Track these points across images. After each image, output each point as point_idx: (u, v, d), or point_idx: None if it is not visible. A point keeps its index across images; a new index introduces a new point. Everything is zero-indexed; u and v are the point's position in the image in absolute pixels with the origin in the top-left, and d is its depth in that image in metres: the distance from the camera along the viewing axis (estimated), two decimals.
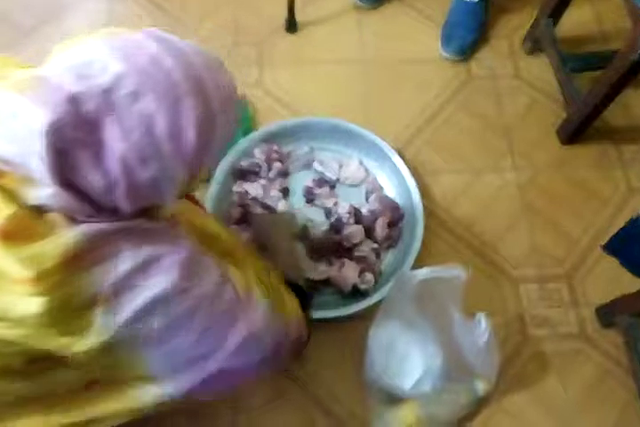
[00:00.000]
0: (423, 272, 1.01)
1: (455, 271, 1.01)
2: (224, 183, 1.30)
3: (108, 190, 0.59)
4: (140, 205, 0.63)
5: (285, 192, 1.33)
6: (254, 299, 0.75)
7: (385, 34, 1.59)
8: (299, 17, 1.57)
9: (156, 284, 0.63)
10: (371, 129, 1.35)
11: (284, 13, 1.56)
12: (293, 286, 0.92)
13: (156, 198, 0.64)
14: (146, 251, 0.63)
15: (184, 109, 0.59)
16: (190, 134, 0.60)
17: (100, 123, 0.57)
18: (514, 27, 1.60)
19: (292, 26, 1.57)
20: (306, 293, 0.97)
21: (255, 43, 1.58)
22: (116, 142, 0.57)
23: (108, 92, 0.57)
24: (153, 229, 0.66)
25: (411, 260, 1.22)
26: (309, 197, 1.32)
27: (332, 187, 1.34)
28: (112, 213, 0.62)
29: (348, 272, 1.22)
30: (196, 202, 1.00)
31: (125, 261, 0.61)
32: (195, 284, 0.66)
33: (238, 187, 1.32)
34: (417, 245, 1.23)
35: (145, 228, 0.65)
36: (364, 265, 1.24)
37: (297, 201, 1.33)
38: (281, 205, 1.29)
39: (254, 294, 0.76)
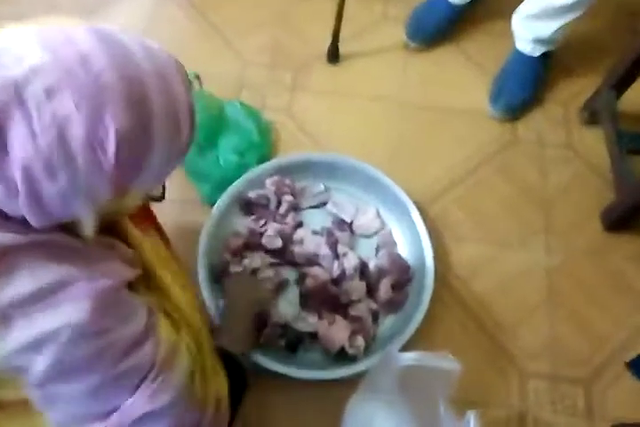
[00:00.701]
0: (412, 357, 0.87)
1: (449, 363, 0.86)
2: (226, 211, 1.19)
3: (9, 199, 0.49)
4: (49, 219, 0.52)
5: (299, 226, 1.21)
6: (173, 367, 0.62)
7: (430, 77, 1.49)
8: (343, 48, 1.47)
9: (59, 316, 0.51)
10: (396, 176, 1.23)
11: (328, 41, 1.46)
12: (232, 361, 0.82)
13: (66, 214, 0.53)
14: (53, 273, 0.52)
15: (108, 117, 0.49)
16: (111, 147, 0.50)
17: (5, 120, 0.48)
18: (574, 92, 1.47)
19: (334, 56, 1.47)
20: (244, 370, 0.86)
21: (292, 67, 1.48)
22: (21, 145, 0.47)
23: (19, 86, 0.48)
24: (71, 247, 0.55)
25: (410, 330, 1.08)
26: (331, 240, 1.18)
27: (351, 232, 1.22)
28: (22, 223, 0.51)
29: (338, 332, 1.08)
30: (161, 232, 0.89)
31: (24, 282, 0.50)
32: (107, 326, 0.54)
33: (250, 222, 1.20)
34: (420, 315, 1.09)
35: (60, 245, 0.54)
36: (357, 326, 1.10)
37: (310, 241, 1.19)
38: (298, 237, 1.18)
39: (176, 362, 0.63)
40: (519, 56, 1.42)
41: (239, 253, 1.15)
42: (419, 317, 1.09)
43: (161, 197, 0.71)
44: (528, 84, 1.42)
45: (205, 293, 1.07)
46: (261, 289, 1.09)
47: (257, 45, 1.52)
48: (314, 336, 1.09)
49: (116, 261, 0.60)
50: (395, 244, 1.22)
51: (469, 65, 1.50)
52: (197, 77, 1.27)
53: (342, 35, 1.45)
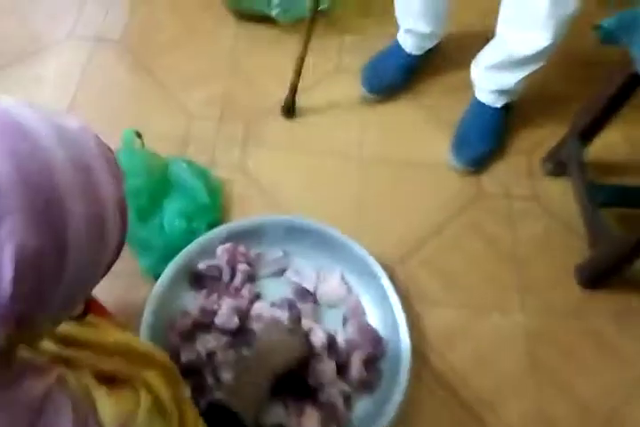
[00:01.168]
0: None
1: None
2: (172, 286, 1.05)
3: None
4: None
5: (257, 299, 1.09)
6: None
7: (389, 130, 1.42)
8: (298, 100, 1.40)
9: None
10: (360, 237, 1.13)
11: (282, 94, 1.38)
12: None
13: None
14: None
15: (4, 233, 0.37)
16: (8, 273, 0.37)
17: None
18: (536, 142, 1.42)
19: (290, 110, 1.39)
20: None
21: (244, 120, 1.39)
22: None
23: None
24: None
25: (389, 414, 0.96)
26: (293, 314, 1.06)
27: (315, 302, 1.11)
28: None
29: (308, 423, 0.95)
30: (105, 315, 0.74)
31: None
32: None
33: (200, 298, 1.06)
34: (398, 395, 0.98)
35: None
36: (329, 414, 0.97)
37: (269, 316, 1.06)
38: (256, 312, 1.05)
39: None
40: (479, 107, 1.37)
41: (189, 336, 1.02)
42: (397, 397, 0.98)
43: (82, 315, 0.57)
44: (490, 136, 1.37)
45: None
46: (299, 347, 0.96)
47: (204, 98, 1.42)
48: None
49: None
50: (363, 313, 1.10)
51: (429, 117, 1.45)
52: (138, 135, 1.16)
53: (300, 86, 1.37)
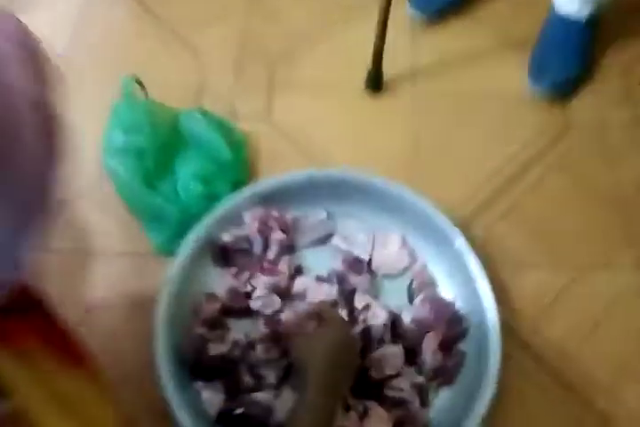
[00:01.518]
0: None
1: None
2: (193, 264, 0.84)
3: None
4: None
5: (298, 274, 0.88)
6: None
7: (447, 58, 1.15)
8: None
9: None
10: (421, 190, 0.90)
11: (310, 22, 1.15)
12: None
13: None
14: None
15: None
16: None
17: None
18: (630, 60, 1.14)
19: (376, 83, 1.08)
20: None
21: (268, 63, 1.14)
22: None
23: None
24: None
25: (478, 410, 0.75)
26: (345, 290, 0.85)
27: (371, 274, 0.88)
28: None
29: None
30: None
31: None
32: None
33: (229, 277, 0.85)
34: (488, 386, 0.75)
35: None
36: (401, 414, 0.77)
37: (316, 293, 0.85)
38: (298, 288, 0.85)
39: None
40: (560, 22, 1.09)
41: (217, 324, 0.82)
42: (487, 389, 0.75)
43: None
44: (575, 56, 1.08)
45: (171, 395, 0.73)
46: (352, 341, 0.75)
47: (219, 38, 1.18)
48: None
49: None
50: (434, 284, 0.88)
51: (496, 37, 1.16)
52: (139, 83, 0.95)
53: None
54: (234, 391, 0.78)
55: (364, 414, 0.75)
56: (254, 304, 0.84)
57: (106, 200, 0.95)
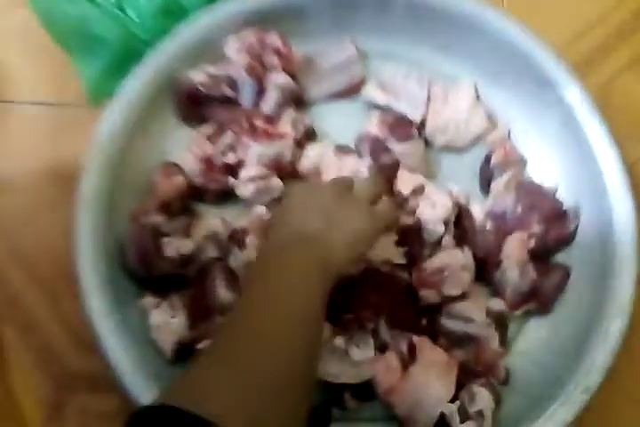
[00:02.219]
0: None
1: None
2: (142, 115, 0.53)
3: None
4: None
5: (310, 139, 0.57)
6: None
7: None
8: None
9: None
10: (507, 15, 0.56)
11: None
12: None
13: None
14: None
15: None
16: None
17: None
18: None
19: None
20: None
21: None
22: None
23: None
24: None
25: (593, 359, 0.46)
26: (384, 166, 0.53)
27: (425, 143, 0.56)
28: None
29: (425, 380, 0.47)
30: None
31: None
32: None
33: (200, 139, 0.53)
34: (613, 322, 0.47)
35: None
36: (468, 357, 0.49)
37: (335, 171, 0.54)
38: (310, 161, 0.54)
39: None
40: None
41: (181, 210, 0.52)
42: (610, 327, 0.47)
43: None
44: None
45: (99, 319, 0.46)
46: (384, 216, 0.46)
47: None
48: (362, 395, 0.48)
49: None
50: (523, 162, 0.57)
51: None
52: None
53: None
54: (201, 314, 0.49)
55: (409, 358, 0.47)
56: (242, 190, 0.55)
57: (19, 28, 0.63)
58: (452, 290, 0.49)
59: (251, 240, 0.50)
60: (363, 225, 0.42)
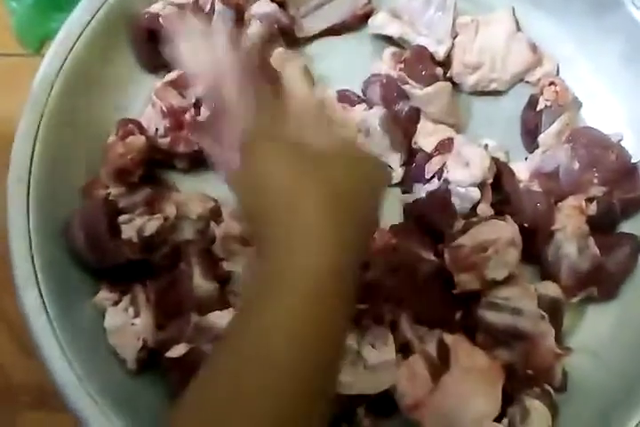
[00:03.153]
0: None
1: None
2: (88, 58, 0.42)
3: None
4: None
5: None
6: None
7: None
8: None
9: None
10: None
11: None
12: None
13: None
14: None
15: None
16: None
17: None
18: None
19: None
20: None
21: None
22: None
23: None
24: None
25: None
26: (401, 113, 0.43)
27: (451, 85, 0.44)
28: None
29: (466, 393, 0.36)
30: None
31: None
32: None
33: (162, 85, 0.42)
34: None
35: None
36: (515, 359, 0.38)
37: None
38: None
39: None
40: None
41: (146, 177, 0.41)
42: None
43: None
44: None
45: (39, 321, 0.36)
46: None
47: None
48: (380, 409, 0.37)
49: None
50: (577, 104, 0.44)
51: None
52: None
53: None
54: (171, 310, 0.38)
55: (440, 363, 0.36)
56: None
57: None
58: (496, 273, 0.37)
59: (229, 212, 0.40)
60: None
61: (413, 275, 0.39)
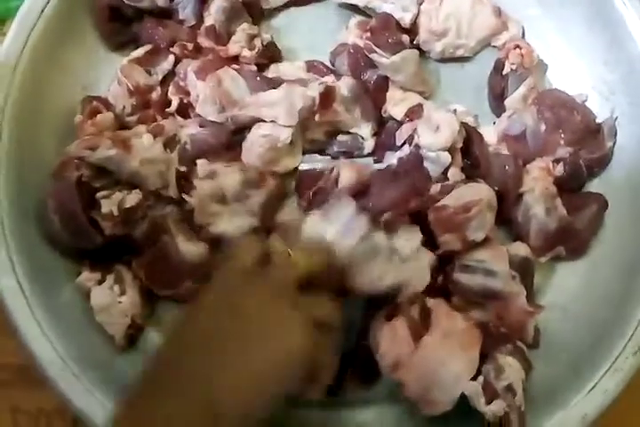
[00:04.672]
0: None
1: None
2: (52, 35, 0.41)
3: None
4: None
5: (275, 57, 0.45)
6: None
7: None
8: None
9: None
10: None
11: None
12: None
13: None
14: None
15: None
16: None
17: None
18: None
19: None
20: None
21: None
22: None
23: None
24: None
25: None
26: (369, 82, 0.43)
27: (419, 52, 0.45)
28: None
29: (446, 354, 0.36)
30: None
31: None
32: None
33: (127, 63, 0.42)
34: None
35: None
36: (490, 320, 0.38)
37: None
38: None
39: None
40: None
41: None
42: None
43: None
44: None
45: (16, 302, 0.36)
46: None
47: None
48: (366, 375, 0.39)
49: None
50: (543, 66, 0.45)
51: None
52: None
53: None
54: (165, 280, 0.39)
55: (421, 325, 0.37)
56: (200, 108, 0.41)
57: None
58: (476, 234, 0.38)
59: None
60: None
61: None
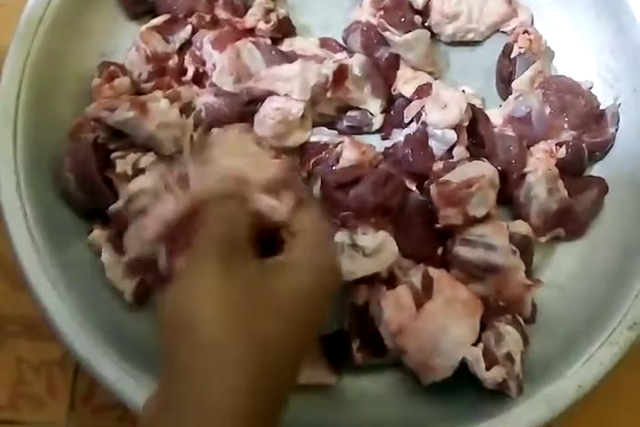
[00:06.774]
0: None
1: None
2: (70, 4, 0.42)
3: None
4: None
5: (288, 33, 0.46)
6: None
7: None
8: None
9: None
10: None
11: None
12: None
13: None
14: None
15: None
16: None
17: None
18: None
19: None
20: None
21: None
22: None
23: None
24: None
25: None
26: (381, 59, 0.44)
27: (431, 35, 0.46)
28: None
29: (448, 321, 0.38)
30: None
31: None
32: None
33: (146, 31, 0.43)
34: None
35: None
36: (490, 292, 0.39)
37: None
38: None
39: None
40: None
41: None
42: None
43: None
44: None
45: (31, 262, 0.37)
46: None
47: None
48: (374, 346, 0.39)
49: None
50: (550, 53, 0.47)
51: None
52: None
53: None
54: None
55: (423, 293, 0.38)
56: (205, 98, 0.43)
57: None
58: (477, 210, 0.39)
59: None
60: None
61: (400, 208, 0.41)
